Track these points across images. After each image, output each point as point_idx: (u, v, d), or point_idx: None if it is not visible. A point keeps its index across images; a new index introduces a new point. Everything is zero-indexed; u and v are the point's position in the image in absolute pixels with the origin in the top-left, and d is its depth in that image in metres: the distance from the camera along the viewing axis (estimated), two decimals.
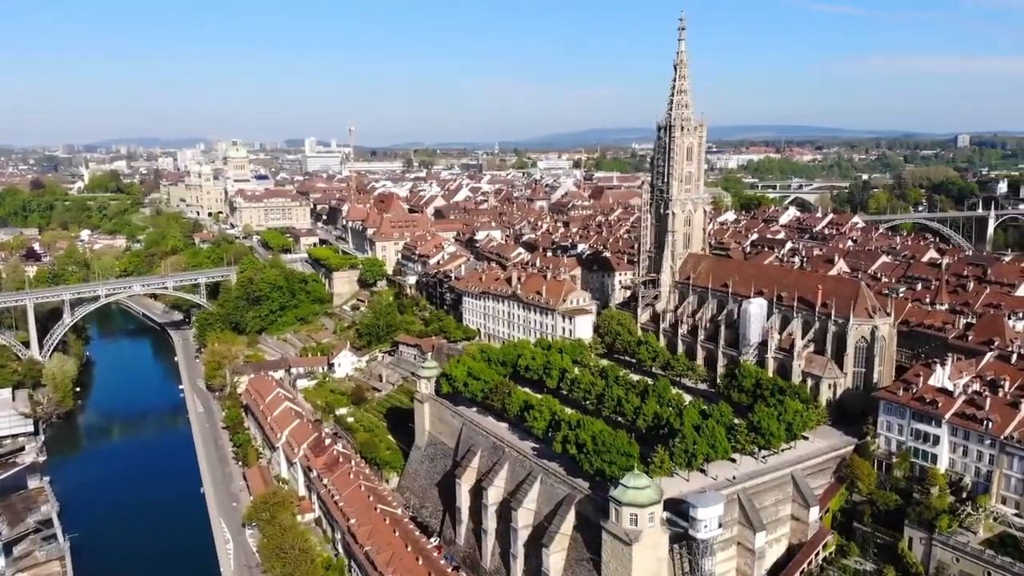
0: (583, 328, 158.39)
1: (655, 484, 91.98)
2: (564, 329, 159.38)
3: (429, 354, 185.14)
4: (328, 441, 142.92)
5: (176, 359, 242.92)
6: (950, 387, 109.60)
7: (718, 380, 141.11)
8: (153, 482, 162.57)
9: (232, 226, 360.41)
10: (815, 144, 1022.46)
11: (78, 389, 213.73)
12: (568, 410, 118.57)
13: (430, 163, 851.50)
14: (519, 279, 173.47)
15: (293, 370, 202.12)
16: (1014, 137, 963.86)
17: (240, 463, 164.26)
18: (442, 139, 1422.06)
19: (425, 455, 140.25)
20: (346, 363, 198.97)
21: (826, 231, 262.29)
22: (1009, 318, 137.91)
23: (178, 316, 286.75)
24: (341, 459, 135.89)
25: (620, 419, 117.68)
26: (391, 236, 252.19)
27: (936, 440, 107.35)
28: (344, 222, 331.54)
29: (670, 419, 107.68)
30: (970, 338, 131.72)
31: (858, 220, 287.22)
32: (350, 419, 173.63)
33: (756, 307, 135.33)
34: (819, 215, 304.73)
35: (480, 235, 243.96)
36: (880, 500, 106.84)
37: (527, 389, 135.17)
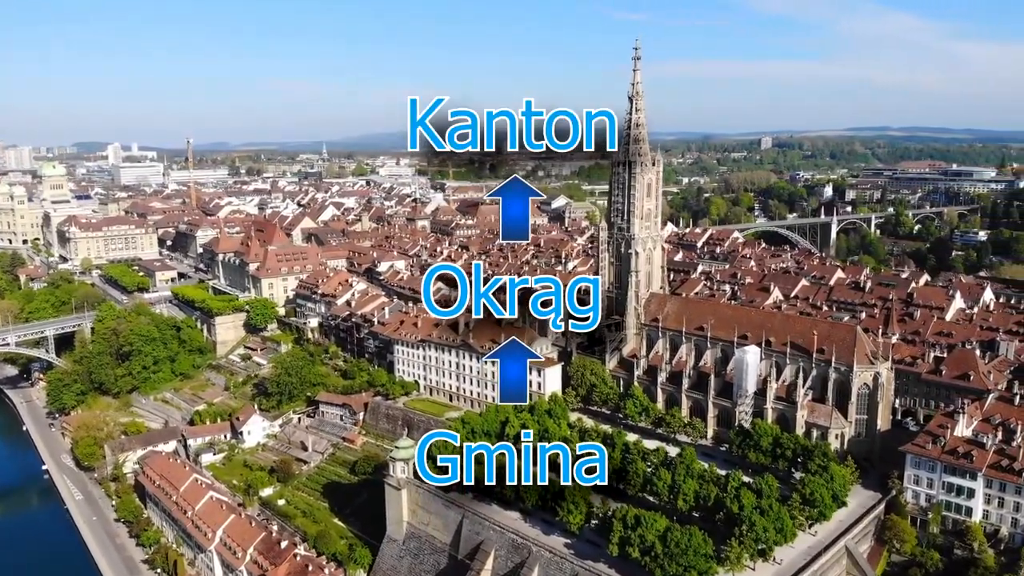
0: (553, 380, 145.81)
1: None
2: (532, 382, 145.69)
3: (362, 414, 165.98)
4: (285, 544, 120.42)
5: (25, 428, 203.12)
6: (973, 435, 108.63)
7: (710, 434, 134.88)
8: None
9: (64, 259, 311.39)
10: None
11: None
12: (611, 501, 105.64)
13: (259, 171, 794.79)
14: (468, 324, 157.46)
15: (191, 442, 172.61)
16: (809, 138, 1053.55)
17: (160, 571, 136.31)
18: (248, 139, 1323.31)
19: (406, 550, 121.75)
20: (256, 430, 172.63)
21: (718, 249, 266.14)
22: (965, 345, 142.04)
23: (12, 371, 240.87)
24: (310, 567, 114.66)
25: (650, 498, 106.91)
26: (279, 272, 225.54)
27: (971, 493, 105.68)
28: (200, 250, 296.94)
29: (726, 501, 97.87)
30: (943, 372, 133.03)
31: (738, 235, 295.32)
32: (280, 501, 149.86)
33: (752, 355, 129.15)
34: (698, 230, 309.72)
35: (383, 266, 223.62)
36: (927, 561, 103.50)
37: None
